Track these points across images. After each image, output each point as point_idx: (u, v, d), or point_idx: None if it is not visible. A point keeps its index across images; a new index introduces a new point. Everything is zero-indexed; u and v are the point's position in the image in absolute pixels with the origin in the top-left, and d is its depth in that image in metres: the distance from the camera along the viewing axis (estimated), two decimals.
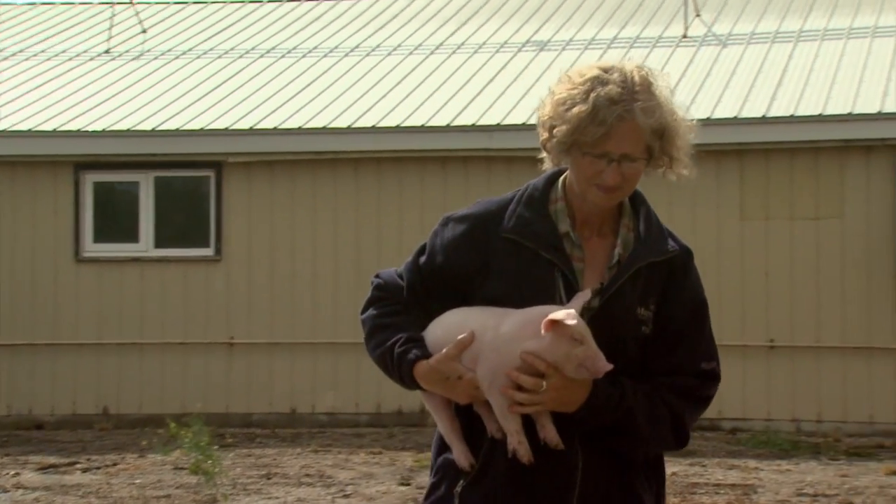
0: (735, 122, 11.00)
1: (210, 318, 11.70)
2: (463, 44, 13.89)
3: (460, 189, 11.37)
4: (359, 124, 11.77)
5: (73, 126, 12.14)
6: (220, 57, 14.08)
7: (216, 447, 8.96)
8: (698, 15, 13.77)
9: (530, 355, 2.50)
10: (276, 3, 16.01)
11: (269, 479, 8.75)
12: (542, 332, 2.47)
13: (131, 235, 11.91)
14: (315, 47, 14.17)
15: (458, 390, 2.58)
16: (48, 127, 12.15)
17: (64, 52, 14.52)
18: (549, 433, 2.55)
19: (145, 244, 11.88)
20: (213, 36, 14.84)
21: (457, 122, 11.62)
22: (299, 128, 11.82)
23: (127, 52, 14.41)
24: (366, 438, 10.64)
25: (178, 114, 12.30)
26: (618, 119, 2.52)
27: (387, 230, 11.55)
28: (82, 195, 11.91)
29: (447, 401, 2.65)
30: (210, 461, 8.36)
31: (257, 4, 16.06)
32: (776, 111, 11.21)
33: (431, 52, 13.71)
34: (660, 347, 2.63)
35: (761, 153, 11.06)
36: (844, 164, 10.95)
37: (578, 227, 2.64)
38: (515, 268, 2.60)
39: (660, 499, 2.70)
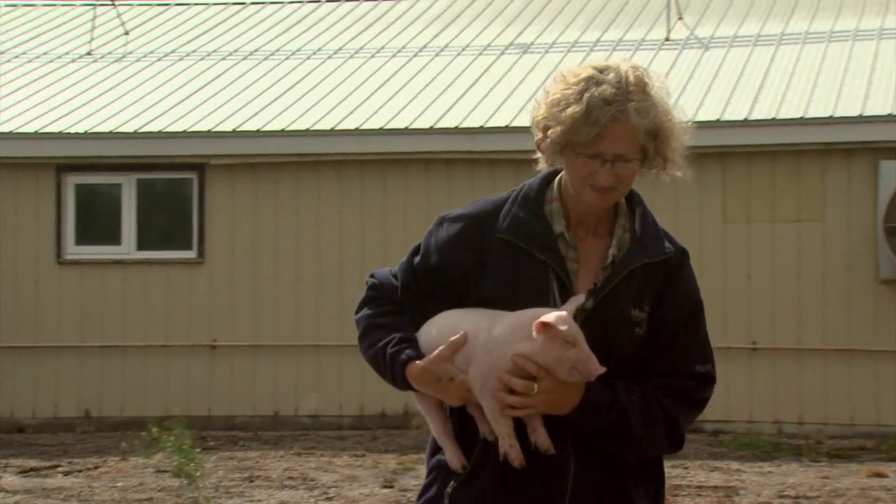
0: (717, 124, 11.03)
1: (192, 320, 11.67)
2: (446, 46, 13.90)
3: (443, 191, 11.37)
4: (342, 126, 11.77)
5: (55, 128, 12.10)
6: (202, 59, 14.06)
7: (198, 450, 8.93)
8: (681, 18, 13.81)
9: (522, 358, 2.49)
10: (259, 6, 15.99)
11: (251, 481, 8.74)
12: (534, 334, 2.46)
13: (113, 238, 11.87)
14: (298, 49, 14.16)
15: (449, 392, 2.57)
16: (30, 129, 12.10)
17: (46, 53, 14.47)
18: (540, 437, 2.54)
19: (127, 246, 11.85)
20: (195, 38, 14.81)
21: (440, 125, 11.63)
22: (282, 130, 11.81)
23: (109, 53, 14.37)
24: (349, 441, 10.63)
25: (160, 116, 12.27)
26: (611, 119, 2.51)
27: (370, 232, 11.55)
28: (64, 197, 11.87)
29: (440, 402, 2.64)
30: (192, 464, 8.34)
31: (240, 6, 16.03)
32: (758, 114, 11.26)
33: (415, 55, 13.72)
34: (654, 349, 2.61)
35: (743, 156, 11.10)
36: (826, 166, 11.00)
37: (573, 228, 2.63)
38: (509, 268, 2.59)
39: (659, 499, 2.68)
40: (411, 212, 11.39)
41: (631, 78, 2.55)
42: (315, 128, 11.78)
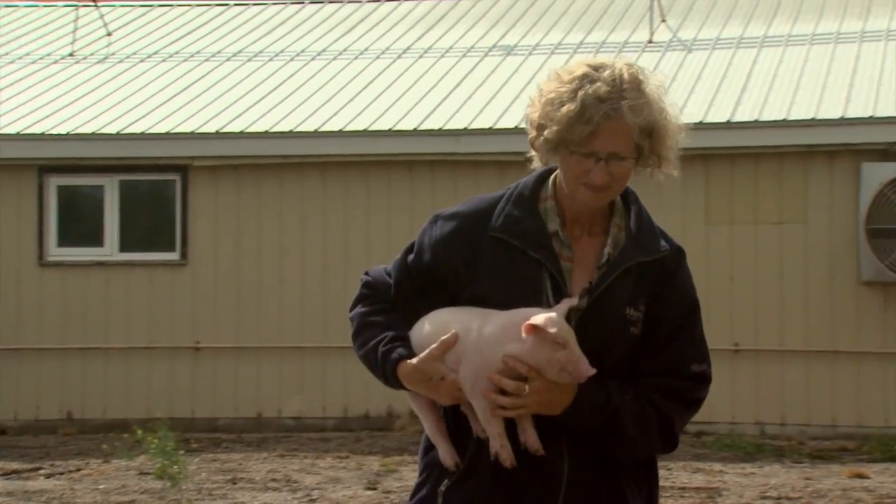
0: (700, 126, 11.05)
1: (175, 322, 11.64)
2: (430, 48, 13.90)
3: (427, 193, 11.38)
4: (326, 128, 11.75)
5: (37, 129, 12.05)
6: (185, 60, 14.03)
7: (181, 452, 8.91)
8: (664, 20, 13.84)
9: (512, 359, 2.47)
10: (243, 7, 15.96)
11: (234, 483, 8.72)
12: (523, 335, 2.45)
13: (96, 239, 11.84)
14: (282, 51, 14.14)
15: (440, 391, 2.56)
16: (12, 130, 12.05)
17: (28, 54, 14.41)
18: (530, 438, 2.53)
19: (110, 248, 11.81)
20: (178, 39, 14.78)
21: (424, 126, 11.63)
22: (266, 131, 11.79)
23: (92, 54, 14.32)
24: (332, 443, 10.62)
25: (143, 117, 12.24)
26: (605, 117, 2.49)
27: (353, 234, 11.54)
28: (46, 199, 11.82)
29: (433, 401, 2.62)
30: (175, 466, 8.32)
31: (223, 8, 16.00)
32: (741, 116, 11.29)
33: (398, 56, 13.72)
34: (650, 348, 2.59)
35: (726, 158, 11.13)
36: (808, 168, 11.04)
37: (568, 227, 2.61)
38: (503, 267, 2.57)
39: (652, 499, 2.67)
40: (395, 213, 11.39)
41: (625, 75, 2.53)
42: (299, 129, 11.77)
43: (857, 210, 10.67)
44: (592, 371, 2.47)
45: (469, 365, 2.51)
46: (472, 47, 13.80)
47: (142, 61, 14.04)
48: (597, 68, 2.54)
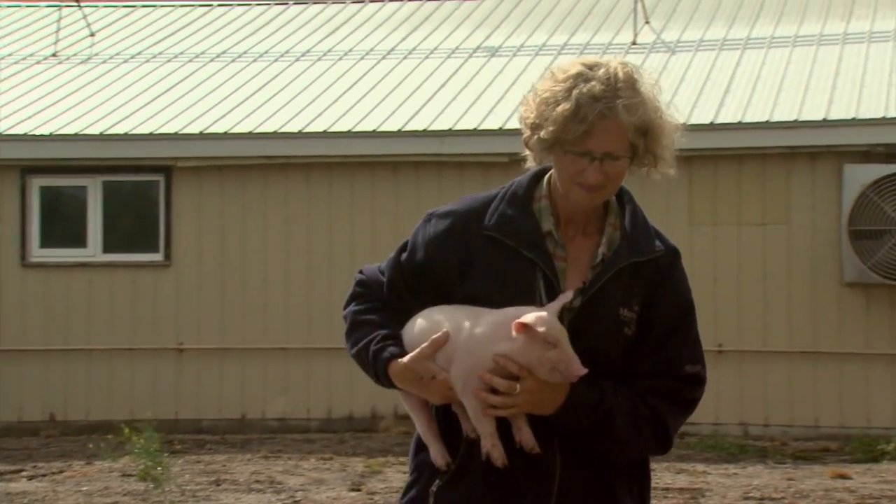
0: (684, 128, 11.08)
1: (159, 323, 11.61)
2: (414, 49, 13.91)
3: (411, 194, 11.38)
4: (310, 129, 11.74)
5: (19, 130, 12.00)
6: (169, 61, 13.99)
7: (165, 454, 8.89)
8: (647, 22, 13.88)
9: (503, 357, 2.46)
10: (226, 7, 15.93)
11: (218, 485, 8.70)
12: (514, 334, 2.44)
13: (79, 240, 11.80)
14: (266, 51, 14.12)
15: (431, 390, 2.54)
16: None
17: (10, 55, 14.35)
18: (525, 436, 2.51)
19: (93, 249, 11.77)
20: (162, 40, 14.74)
21: (408, 127, 11.63)
22: (250, 132, 11.78)
23: (75, 55, 14.28)
24: (316, 444, 10.61)
25: (126, 118, 12.21)
26: (599, 116, 2.47)
27: (338, 235, 11.53)
28: (29, 199, 11.78)
29: (425, 400, 2.61)
30: (159, 468, 8.30)
31: (206, 8, 15.97)
32: (724, 118, 11.33)
33: (383, 57, 13.71)
34: (644, 349, 2.58)
35: (709, 159, 11.16)
36: (791, 170, 11.08)
37: (563, 226, 2.59)
38: (496, 266, 2.56)
39: (644, 500, 2.66)
40: (379, 214, 11.39)
41: (620, 74, 2.51)
42: (283, 130, 11.75)
43: (840, 211, 10.71)
44: (584, 371, 2.46)
45: (460, 364, 2.50)
46: (457, 48, 13.81)
47: (125, 62, 14.00)
48: (591, 67, 2.52)
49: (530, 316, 2.43)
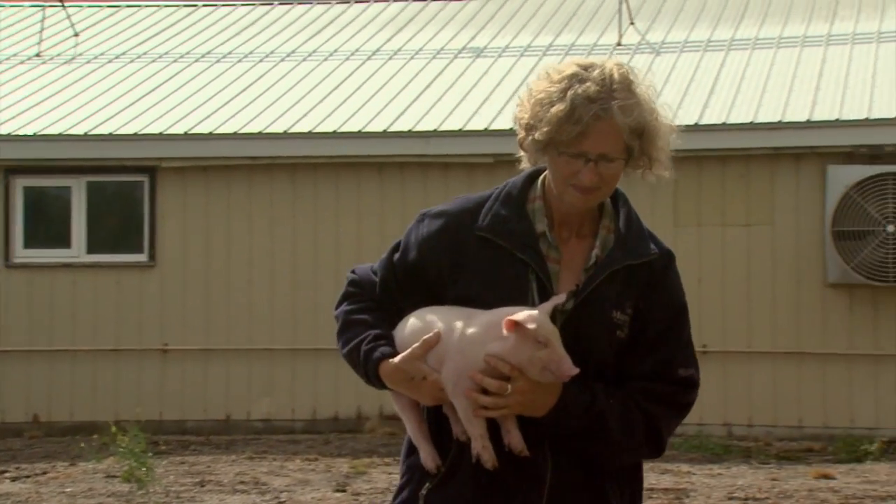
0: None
1: (143, 324, 11.59)
2: (399, 50, 13.91)
3: (397, 195, 11.37)
4: (295, 129, 11.73)
5: (3, 130, 11.96)
6: (153, 61, 13.96)
7: (150, 455, 8.87)
8: (632, 23, 13.91)
9: (494, 358, 2.44)
10: (211, 8, 15.90)
11: (202, 486, 8.68)
12: (504, 333, 2.42)
13: (63, 241, 11.76)
14: (251, 52, 14.10)
15: (422, 391, 2.53)
16: None
17: None
18: (514, 439, 2.50)
19: (77, 250, 11.74)
20: (146, 40, 14.71)
21: (393, 128, 11.63)
22: (235, 133, 11.76)
23: (59, 55, 14.23)
24: (301, 445, 10.60)
25: (111, 118, 12.17)
26: (594, 118, 2.46)
27: (323, 235, 11.52)
28: (13, 200, 11.74)
29: (416, 401, 2.59)
30: (143, 469, 8.28)
31: (191, 9, 15.94)
32: (708, 119, 11.36)
33: (368, 58, 13.71)
34: (637, 352, 2.56)
35: (693, 160, 11.18)
36: (775, 171, 11.12)
37: (557, 228, 2.58)
38: (489, 267, 2.54)
39: (636, 501, 2.65)
40: (364, 215, 11.38)
41: (615, 75, 2.50)
42: (268, 131, 11.74)
43: (824, 212, 10.75)
44: (575, 370, 2.44)
45: (451, 364, 2.48)
46: (442, 49, 13.81)
47: (109, 62, 13.97)
48: (587, 68, 2.51)
49: (521, 314, 2.42)
